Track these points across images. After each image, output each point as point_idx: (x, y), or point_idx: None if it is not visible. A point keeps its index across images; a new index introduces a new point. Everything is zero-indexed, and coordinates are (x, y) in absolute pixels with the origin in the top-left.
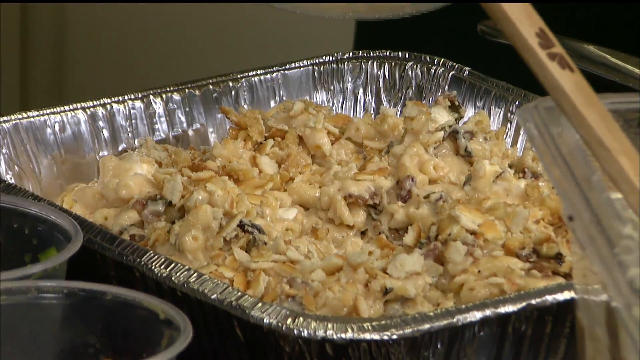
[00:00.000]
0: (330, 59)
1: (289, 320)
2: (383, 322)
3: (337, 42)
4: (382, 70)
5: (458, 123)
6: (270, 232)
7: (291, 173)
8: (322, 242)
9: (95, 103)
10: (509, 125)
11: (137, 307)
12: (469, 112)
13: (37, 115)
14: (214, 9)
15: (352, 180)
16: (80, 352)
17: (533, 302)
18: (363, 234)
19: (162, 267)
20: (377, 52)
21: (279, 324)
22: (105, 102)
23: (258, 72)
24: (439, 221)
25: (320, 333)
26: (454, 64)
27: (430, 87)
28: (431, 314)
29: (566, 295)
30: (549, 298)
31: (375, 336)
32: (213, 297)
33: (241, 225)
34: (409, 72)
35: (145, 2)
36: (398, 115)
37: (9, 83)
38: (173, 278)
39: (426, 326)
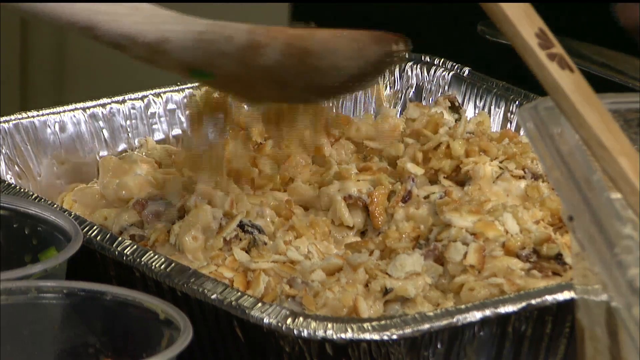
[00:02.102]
0: None
1: (289, 320)
2: (383, 322)
3: None
4: None
5: (457, 123)
6: (270, 232)
7: (291, 173)
8: (322, 242)
9: (95, 103)
10: (509, 125)
11: (137, 307)
12: (469, 112)
13: (37, 115)
14: (214, 9)
15: (352, 180)
16: (80, 352)
17: (533, 302)
18: (363, 234)
19: (162, 267)
20: None
21: (279, 324)
22: (105, 102)
23: None
24: (439, 222)
25: (320, 333)
26: (454, 64)
27: (430, 87)
28: (431, 314)
29: (566, 295)
30: (549, 298)
31: (375, 336)
32: (213, 297)
33: (241, 226)
34: (409, 72)
35: (145, 2)
36: (398, 116)
37: (9, 83)
38: (173, 278)
39: (426, 326)
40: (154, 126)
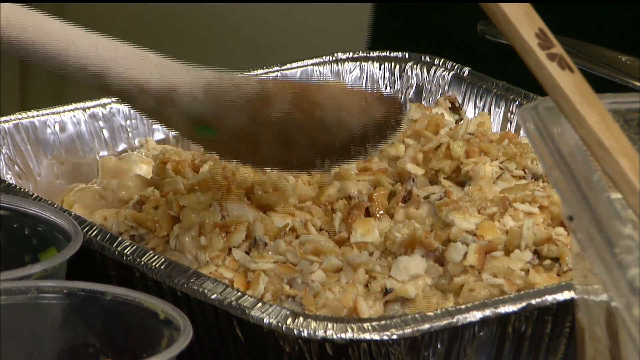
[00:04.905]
0: (330, 59)
1: (289, 320)
2: (383, 322)
3: (337, 42)
4: (382, 70)
5: (458, 124)
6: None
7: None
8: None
9: (95, 103)
10: (509, 125)
11: (137, 307)
12: (469, 112)
13: (37, 115)
14: (214, 9)
15: (352, 181)
16: (80, 352)
17: (533, 302)
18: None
19: (162, 267)
20: (377, 52)
21: (279, 324)
22: (105, 102)
23: (258, 72)
24: (439, 222)
25: (320, 333)
26: (454, 64)
27: (430, 87)
28: (431, 314)
29: (566, 295)
30: (549, 298)
31: (375, 336)
32: (213, 297)
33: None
34: (409, 72)
35: (145, 2)
36: None
37: (9, 83)
38: (173, 278)
39: (426, 326)
40: (154, 126)
